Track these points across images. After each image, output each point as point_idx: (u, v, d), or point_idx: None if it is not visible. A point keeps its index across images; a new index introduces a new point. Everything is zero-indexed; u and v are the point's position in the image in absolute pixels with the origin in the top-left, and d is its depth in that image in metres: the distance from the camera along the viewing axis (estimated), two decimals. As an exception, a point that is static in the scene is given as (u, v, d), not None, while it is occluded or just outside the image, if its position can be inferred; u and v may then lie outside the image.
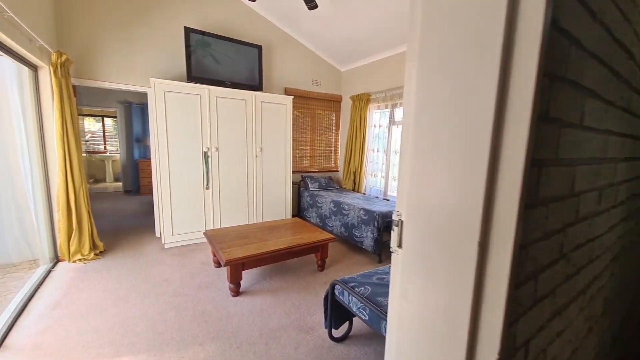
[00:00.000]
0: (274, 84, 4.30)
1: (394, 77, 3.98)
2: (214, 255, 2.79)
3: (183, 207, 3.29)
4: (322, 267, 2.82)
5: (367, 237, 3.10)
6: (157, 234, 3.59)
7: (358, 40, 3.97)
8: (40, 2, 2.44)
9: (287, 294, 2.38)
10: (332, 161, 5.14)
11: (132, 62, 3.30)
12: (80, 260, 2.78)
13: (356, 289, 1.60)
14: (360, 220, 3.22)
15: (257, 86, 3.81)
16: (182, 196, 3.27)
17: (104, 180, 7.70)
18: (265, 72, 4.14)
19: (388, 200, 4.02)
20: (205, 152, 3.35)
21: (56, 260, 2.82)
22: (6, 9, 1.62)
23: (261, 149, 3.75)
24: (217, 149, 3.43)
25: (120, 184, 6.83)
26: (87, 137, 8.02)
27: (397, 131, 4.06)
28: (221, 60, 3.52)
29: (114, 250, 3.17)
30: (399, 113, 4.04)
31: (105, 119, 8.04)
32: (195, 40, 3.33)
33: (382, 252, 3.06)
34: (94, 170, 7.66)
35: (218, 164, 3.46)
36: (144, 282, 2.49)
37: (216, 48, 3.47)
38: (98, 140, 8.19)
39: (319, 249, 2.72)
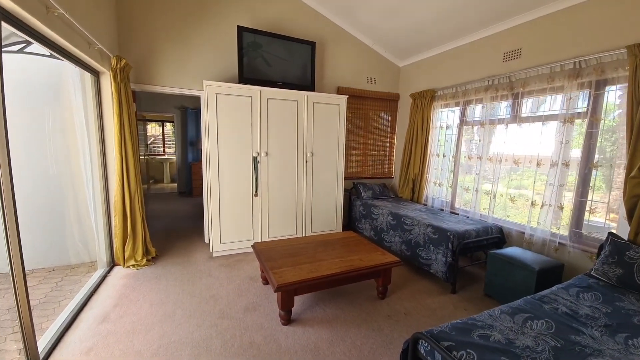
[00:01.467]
0: (325, 83, 3.99)
1: (465, 69, 3.38)
2: (262, 271, 2.54)
3: (231, 215, 3.12)
4: (383, 294, 2.39)
5: (438, 260, 2.59)
6: (206, 240, 3.50)
7: (422, 30, 3.46)
8: (98, 5, 2.42)
9: (345, 328, 2.00)
10: (387, 167, 4.65)
11: (186, 66, 3.24)
12: (133, 265, 2.75)
13: (454, 351, 1.15)
14: (427, 240, 2.72)
15: (309, 86, 3.53)
16: (231, 203, 3.11)
17: (162, 181, 8.20)
18: (318, 70, 3.85)
19: (457, 214, 3.42)
20: (255, 157, 3.15)
21: (112, 264, 2.84)
22: (56, 6, 1.52)
23: (312, 153, 3.45)
24: (267, 154, 3.21)
25: (176, 184, 7.16)
26: (150, 141, 8.67)
27: (470, 133, 3.44)
28: (272, 62, 3.31)
29: (165, 255, 3.13)
30: (472, 112, 3.42)
31: (165, 123, 8.59)
32: (247, 42, 3.16)
33: (456, 280, 2.52)
34: (153, 171, 8.19)
35: (267, 169, 3.24)
36: (190, 297, 2.32)
37: (268, 49, 3.27)
38: (159, 143, 8.79)
39: (380, 274, 2.30)
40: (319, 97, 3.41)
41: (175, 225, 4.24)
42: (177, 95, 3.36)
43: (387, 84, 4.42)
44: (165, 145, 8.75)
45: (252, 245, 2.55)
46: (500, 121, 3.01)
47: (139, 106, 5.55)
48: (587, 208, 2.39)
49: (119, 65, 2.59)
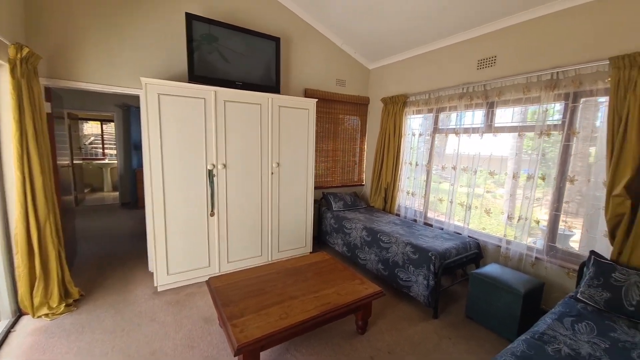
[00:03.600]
0: (292, 85, 3.61)
1: (438, 75, 3.25)
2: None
3: (182, 239, 2.61)
4: (363, 329, 2.11)
5: (418, 283, 2.38)
6: (150, 269, 2.93)
7: (393, 32, 3.25)
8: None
9: (323, 382, 1.67)
10: (357, 174, 4.42)
11: (119, 59, 2.64)
12: (47, 315, 2.13)
13: None
14: (407, 260, 2.50)
15: (273, 87, 3.12)
16: (181, 226, 2.60)
17: (101, 189, 7.12)
18: (283, 70, 3.46)
19: (431, 225, 3.29)
20: (210, 169, 2.67)
21: (19, 314, 2.17)
22: None
23: (278, 163, 3.06)
24: (225, 166, 2.75)
25: (118, 194, 6.22)
26: (89, 141, 7.49)
27: (443, 141, 3.32)
28: (231, 58, 2.85)
29: (94, 294, 2.51)
30: (445, 120, 3.31)
31: (104, 122, 7.48)
32: (200, 34, 2.66)
33: (438, 304, 2.33)
34: (91, 178, 7.08)
35: (226, 184, 2.78)
36: (126, 358, 1.81)
37: (225, 43, 2.80)
38: (98, 144, 7.64)
39: (360, 308, 2.01)
40: (286, 101, 3.03)
41: (112, 249, 3.55)
42: (111, 94, 2.74)
43: (356, 87, 4.17)
44: (106, 148, 7.64)
45: (206, 282, 2.09)
46: (475, 130, 2.91)
47: (68, 103, 4.64)
48: (563, 222, 2.35)
49: (19, 55, 1.95)
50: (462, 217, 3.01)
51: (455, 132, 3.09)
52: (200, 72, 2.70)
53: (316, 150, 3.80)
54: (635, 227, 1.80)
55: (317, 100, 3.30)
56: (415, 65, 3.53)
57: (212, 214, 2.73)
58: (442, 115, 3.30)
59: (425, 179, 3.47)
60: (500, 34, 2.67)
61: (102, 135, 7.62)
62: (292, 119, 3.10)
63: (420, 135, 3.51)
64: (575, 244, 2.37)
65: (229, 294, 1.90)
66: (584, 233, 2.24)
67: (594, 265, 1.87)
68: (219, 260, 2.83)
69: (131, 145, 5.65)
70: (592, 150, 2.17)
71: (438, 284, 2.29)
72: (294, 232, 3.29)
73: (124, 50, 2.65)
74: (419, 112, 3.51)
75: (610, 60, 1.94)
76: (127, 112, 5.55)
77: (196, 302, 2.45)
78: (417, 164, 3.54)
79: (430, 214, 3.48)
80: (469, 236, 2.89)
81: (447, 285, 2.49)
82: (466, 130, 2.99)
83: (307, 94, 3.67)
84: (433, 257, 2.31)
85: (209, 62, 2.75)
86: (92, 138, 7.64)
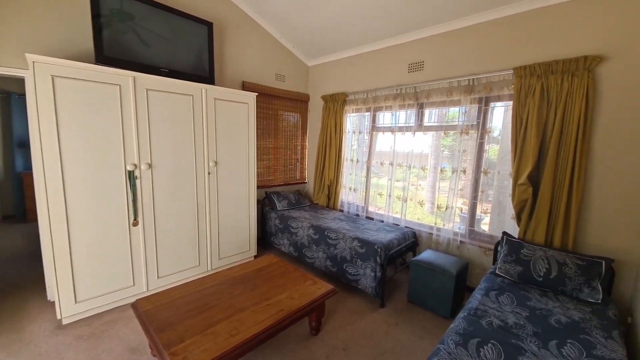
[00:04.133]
0: (228, 77, 3.32)
1: (375, 76, 3.41)
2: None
3: (93, 256, 2.14)
4: (317, 329, 2.06)
5: (366, 275, 2.46)
6: (50, 297, 2.34)
7: (332, 29, 3.28)
8: None
9: (280, 395, 1.57)
10: (299, 172, 4.36)
11: (-10, 26, 2.00)
12: None
13: None
14: (355, 254, 2.56)
15: (206, 77, 2.81)
16: (92, 240, 2.13)
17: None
18: (217, 60, 3.15)
19: (372, 219, 3.45)
20: (131, 171, 2.25)
21: None
22: None
23: (216, 162, 2.78)
24: (150, 166, 2.35)
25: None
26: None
27: (380, 139, 3.51)
28: (152, 42, 2.45)
29: (-40, 342, 1.87)
30: (382, 118, 3.50)
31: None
32: (110, 9, 2.21)
33: (384, 293, 2.45)
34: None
35: (152, 187, 2.38)
36: (14, 419, 1.38)
37: (144, 23, 2.39)
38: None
39: (315, 309, 1.96)
40: (222, 93, 2.76)
41: (-11, 277, 2.72)
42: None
43: (296, 83, 4.10)
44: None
45: (131, 305, 1.75)
46: (408, 129, 3.15)
47: None
48: (480, 209, 2.73)
49: None
50: (399, 209, 3.23)
51: (392, 130, 3.30)
52: (111, 53, 2.25)
53: (257, 148, 3.60)
54: (536, 210, 2.19)
55: (257, 94, 3.11)
56: (354, 65, 3.64)
57: (135, 223, 2.31)
58: (379, 114, 3.49)
59: (365, 175, 3.62)
60: (428, 41, 2.93)
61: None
62: (230, 114, 2.84)
63: (360, 133, 3.64)
64: (487, 226, 2.77)
65: (164, 316, 1.62)
66: (495, 217, 2.64)
67: (507, 244, 2.20)
68: (147, 276, 2.42)
69: (13, 143, 4.44)
70: (499, 147, 2.56)
71: (384, 275, 2.40)
72: (236, 236, 3.05)
73: (6, 21, 2.01)
74: (358, 110, 3.64)
75: (514, 70, 2.31)
76: (5, 100, 4.33)
77: (118, 330, 2.04)
78: (357, 161, 3.66)
79: (371, 208, 3.65)
80: (406, 226, 3.12)
81: (391, 275, 2.64)
82: (401, 129, 3.21)
83: (245, 87, 3.44)
84: (379, 250, 2.41)
85: (123, 43, 2.31)
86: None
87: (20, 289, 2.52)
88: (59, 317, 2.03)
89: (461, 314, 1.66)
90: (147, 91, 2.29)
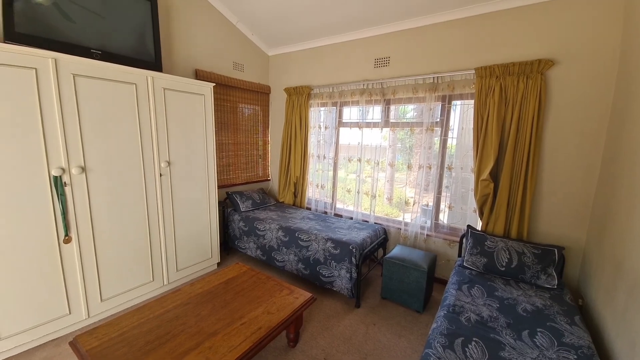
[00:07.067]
0: (178, 63, 2.91)
1: (340, 70, 3.31)
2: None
3: (14, 283, 1.70)
4: (295, 341, 1.94)
5: (341, 277, 2.40)
6: (-51, 342, 1.82)
7: (292, 18, 3.07)
8: None
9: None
10: (262, 169, 4.12)
11: None
12: None
13: None
14: (328, 255, 2.47)
15: (153, 63, 2.41)
16: (10, 264, 1.68)
17: None
18: (164, 43, 2.73)
19: (341, 216, 3.41)
20: (57, 176, 1.82)
21: None
22: None
23: (168, 162, 2.42)
24: (84, 169, 1.94)
25: None
26: None
27: (346, 134, 3.45)
28: (78, 17, 1.99)
29: None
30: (347, 113, 3.44)
31: None
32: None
33: (359, 293, 2.42)
34: None
35: (88, 195, 1.97)
36: None
37: (64, -10, 1.91)
38: None
39: (293, 321, 1.83)
40: (173, 82, 2.39)
41: None
42: None
43: (256, 73, 3.80)
44: None
45: (70, 344, 1.42)
46: (375, 125, 3.13)
47: None
48: (445, 203, 2.85)
49: None
50: (367, 205, 3.24)
51: (359, 125, 3.25)
52: (25, 29, 1.76)
53: (216, 145, 3.26)
54: (497, 204, 2.34)
55: (214, 84, 2.78)
56: (318, 57, 3.48)
57: (67, 240, 1.89)
58: (345, 109, 3.41)
59: (332, 171, 3.55)
60: (394, 36, 2.91)
61: None
62: (183, 106, 2.49)
63: (326, 128, 3.53)
64: (448, 219, 2.91)
65: (115, 355, 1.34)
66: (457, 210, 2.78)
67: (472, 237, 2.33)
68: (87, 301, 2.02)
69: None
70: (457, 143, 2.68)
71: (360, 274, 2.37)
72: (195, 243, 2.74)
73: None
74: (324, 104, 3.52)
75: (475, 70, 2.40)
76: None
77: (51, 373, 1.66)
78: (324, 157, 3.56)
79: (339, 205, 3.61)
80: (375, 222, 3.14)
81: (366, 274, 2.63)
82: (368, 125, 3.18)
83: (199, 75, 3.06)
84: (354, 250, 2.36)
85: (41, 18, 1.83)
86: None
87: None
88: (-38, 368, 1.58)
89: (441, 312, 1.68)
90: (74, 77, 1.85)
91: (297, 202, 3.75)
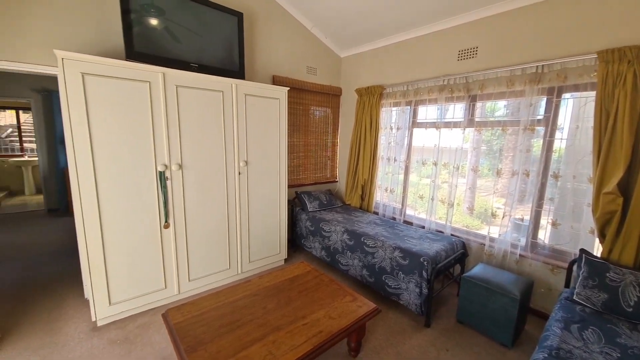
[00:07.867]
0: (258, 71, 3.16)
1: (416, 66, 3.07)
2: (183, 350, 1.68)
3: (127, 257, 2.09)
4: (356, 351, 1.86)
5: (410, 290, 2.20)
6: (86, 295, 2.34)
7: (367, 15, 2.97)
8: None
9: None
10: (330, 170, 4.15)
11: (26, 27, 1.97)
12: None
13: None
14: (396, 265, 2.31)
15: (237, 72, 2.66)
16: (125, 240, 2.07)
17: (22, 192, 5.88)
18: (248, 53, 2.99)
19: (411, 223, 3.16)
20: (161, 171, 2.16)
21: None
22: None
23: (246, 162, 2.64)
24: (181, 166, 2.26)
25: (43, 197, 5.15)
26: (5, 134, 6.11)
27: (421, 135, 3.18)
28: (182, 37, 2.33)
29: (12, 336, 1.90)
30: (423, 112, 3.17)
31: (22, 111, 6.15)
32: (141, 4, 2.10)
33: (430, 311, 2.18)
34: (7, 179, 5.81)
35: (183, 188, 2.29)
36: None
37: (174, 17, 2.27)
38: (16, 137, 6.28)
39: (355, 330, 1.75)
40: (253, 88, 2.59)
41: (35, 272, 2.82)
42: (32, 73, 2.06)
43: (328, 76, 3.85)
44: (25, 141, 6.31)
45: (162, 316, 1.65)
46: (456, 124, 2.79)
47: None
48: (547, 219, 2.34)
49: None
50: (443, 214, 2.91)
51: (436, 126, 2.95)
52: (142, 48, 2.15)
53: (288, 146, 3.43)
54: (626, 226, 1.79)
55: (288, 88, 2.91)
56: (391, 54, 3.31)
57: (166, 226, 2.23)
58: (421, 108, 3.15)
59: (403, 175, 3.32)
60: (482, 23, 2.55)
61: (18, 126, 6.27)
62: (260, 110, 2.68)
63: (398, 129, 3.33)
64: (551, 238, 2.37)
65: (195, 332, 1.50)
66: (565, 229, 2.25)
67: (586, 264, 1.84)
68: (178, 279, 2.35)
69: (56, 138, 4.65)
70: (566, 145, 2.15)
71: (431, 291, 2.13)
72: (266, 239, 2.92)
73: (36, 15, 1.97)
74: (396, 104, 3.32)
75: (598, 54, 1.89)
76: (47, 98, 4.53)
77: (150, 337, 1.98)
78: (394, 160, 3.37)
79: (409, 212, 3.36)
80: (452, 234, 2.80)
81: (439, 290, 2.36)
82: (447, 125, 2.87)
83: (276, 81, 3.26)
84: (425, 263, 2.14)
85: (153, 38, 2.20)
86: (10, 130, 6.25)
87: (61, 283, 2.58)
88: (93, 319, 2.01)
89: (539, 355, 1.36)
90: (176, 88, 2.17)
91: (364, 205, 3.65)
